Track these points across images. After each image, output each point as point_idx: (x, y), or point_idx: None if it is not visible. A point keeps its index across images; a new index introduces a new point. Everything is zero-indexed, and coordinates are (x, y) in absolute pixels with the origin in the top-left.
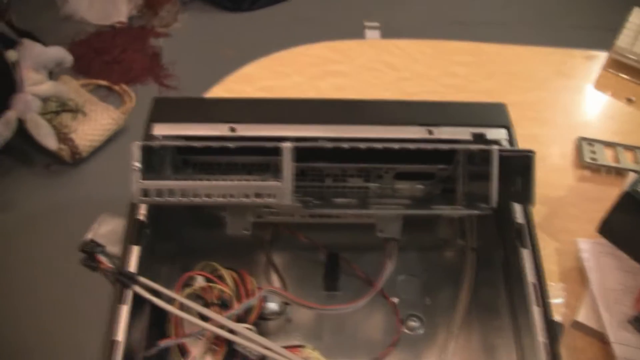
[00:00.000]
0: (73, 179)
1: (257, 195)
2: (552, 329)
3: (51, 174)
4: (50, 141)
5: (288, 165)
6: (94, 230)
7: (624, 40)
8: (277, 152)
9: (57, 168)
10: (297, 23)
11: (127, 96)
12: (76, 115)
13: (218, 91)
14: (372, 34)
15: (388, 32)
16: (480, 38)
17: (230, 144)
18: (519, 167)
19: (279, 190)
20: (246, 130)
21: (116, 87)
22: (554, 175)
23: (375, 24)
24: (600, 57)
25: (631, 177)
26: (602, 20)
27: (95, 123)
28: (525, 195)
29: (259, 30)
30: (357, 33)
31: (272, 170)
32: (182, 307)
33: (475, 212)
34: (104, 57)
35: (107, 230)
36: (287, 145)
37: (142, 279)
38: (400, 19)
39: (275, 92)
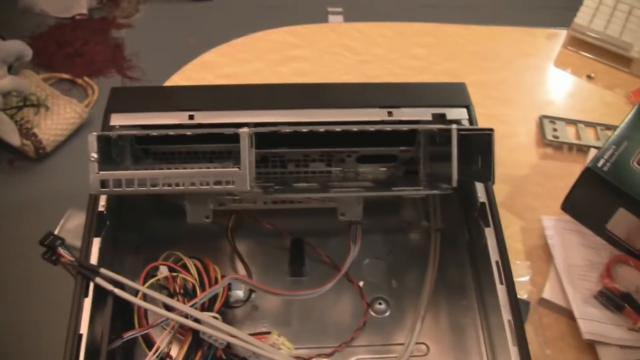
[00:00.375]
0: (38, 175)
1: (216, 182)
2: (517, 307)
3: (15, 171)
4: (13, 137)
5: (246, 151)
6: (61, 225)
7: (582, 17)
8: (236, 138)
9: (21, 164)
10: (260, 10)
11: (90, 89)
12: (38, 110)
13: (177, 79)
14: (335, 19)
15: (352, 17)
16: (447, 20)
17: (188, 132)
18: (478, 146)
19: (238, 176)
20: (205, 117)
21: (79, 80)
22: (517, 153)
23: (339, 9)
24: (561, 35)
25: (592, 153)
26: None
27: (58, 117)
28: (485, 174)
29: (222, 18)
30: (320, 18)
31: (234, 157)
32: (147, 297)
33: (436, 192)
34: (66, 50)
35: (74, 225)
36: (244, 131)
37: (104, 271)
38: (364, 4)
39: (235, 79)
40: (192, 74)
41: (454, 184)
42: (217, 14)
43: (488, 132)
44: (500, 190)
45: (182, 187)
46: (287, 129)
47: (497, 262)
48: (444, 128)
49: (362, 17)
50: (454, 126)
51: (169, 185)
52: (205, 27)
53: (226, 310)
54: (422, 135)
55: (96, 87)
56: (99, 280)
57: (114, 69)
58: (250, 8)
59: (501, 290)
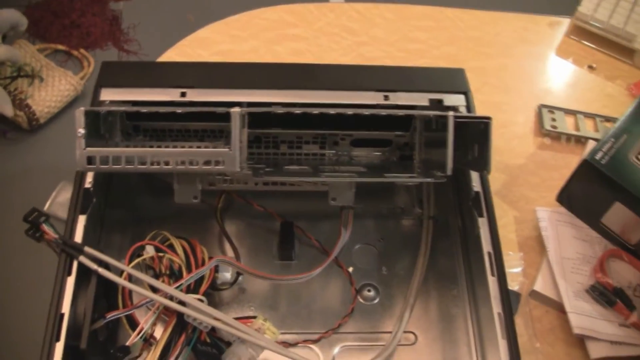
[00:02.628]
0: (31, 146)
1: (205, 162)
2: (507, 300)
3: (8, 142)
4: (6, 108)
5: (237, 131)
6: (52, 198)
7: (586, 6)
8: (228, 118)
9: (14, 135)
10: None
11: (86, 61)
12: (33, 81)
13: (172, 55)
14: None
15: None
16: (447, 2)
17: (179, 109)
18: (475, 134)
19: (228, 157)
20: (197, 95)
21: (75, 52)
22: (514, 142)
23: None
24: (564, 23)
25: (590, 145)
26: None
27: (53, 89)
28: (481, 163)
29: None
30: None
31: (226, 136)
32: (132, 277)
33: (430, 179)
34: (62, 21)
35: (65, 198)
36: (235, 110)
37: (88, 249)
38: None
39: (231, 56)
40: (186, 50)
41: (449, 172)
42: None
43: (485, 120)
44: (495, 179)
45: (170, 166)
46: (280, 110)
47: (489, 253)
48: (440, 114)
49: None
50: (451, 113)
51: (157, 163)
52: (204, 2)
53: (212, 292)
54: (418, 120)
55: (92, 60)
56: (82, 259)
57: (111, 42)
58: None
59: (492, 282)
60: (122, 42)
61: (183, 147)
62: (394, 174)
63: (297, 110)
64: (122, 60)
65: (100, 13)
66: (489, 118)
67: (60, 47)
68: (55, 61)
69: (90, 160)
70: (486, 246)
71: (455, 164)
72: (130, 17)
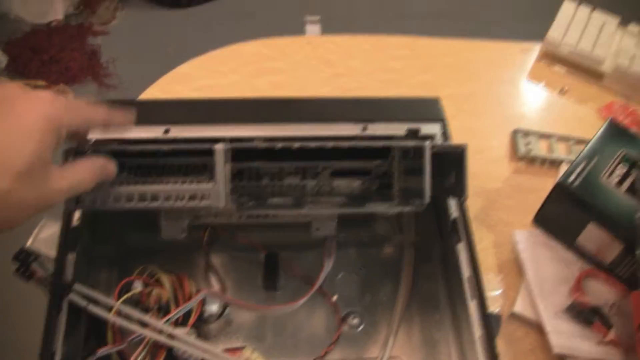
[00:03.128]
0: None
1: (191, 197)
2: (488, 323)
3: None
4: None
5: (221, 167)
6: (34, 235)
7: (555, 31)
8: (211, 153)
9: None
10: (237, 18)
11: (66, 96)
12: None
13: (153, 92)
14: (313, 28)
15: (330, 26)
16: (424, 30)
17: (164, 147)
18: (451, 162)
19: (213, 192)
20: (181, 132)
21: (55, 87)
22: (490, 167)
23: (316, 17)
24: (535, 49)
25: (564, 167)
26: (548, 10)
27: None
28: (458, 189)
29: (200, 27)
30: (298, 26)
31: (210, 170)
32: (121, 313)
33: (409, 208)
34: (42, 57)
35: (48, 235)
36: (219, 147)
37: (78, 287)
38: (342, 13)
39: (211, 91)
40: (167, 87)
41: (427, 200)
42: (194, 20)
43: (460, 148)
44: (473, 203)
45: (157, 203)
46: (262, 145)
47: (468, 278)
48: (416, 145)
49: (340, 26)
50: (427, 143)
51: (144, 200)
52: (182, 35)
53: (200, 325)
54: (396, 150)
55: (72, 95)
56: (72, 296)
57: (90, 76)
58: (227, 15)
59: (473, 306)
60: (102, 77)
61: (168, 182)
62: (375, 203)
63: (278, 144)
64: (102, 94)
65: (79, 48)
66: (463, 146)
67: (40, 82)
68: None
69: (78, 199)
70: (466, 271)
71: (433, 191)
72: (109, 51)
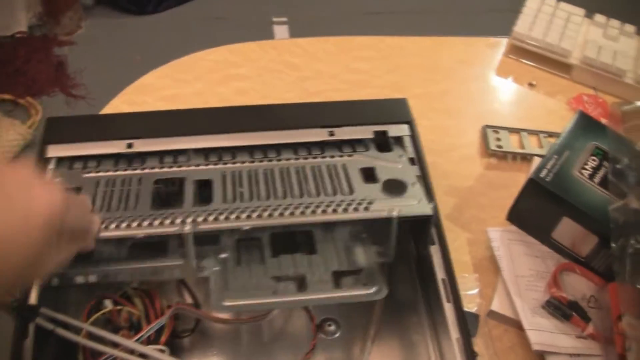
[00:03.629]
0: None
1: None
2: (465, 325)
3: None
4: None
5: (191, 247)
6: None
7: (521, 25)
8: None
9: None
10: (204, 22)
11: (33, 109)
12: None
13: (117, 104)
14: (281, 30)
15: (297, 27)
16: (390, 27)
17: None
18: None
19: (184, 268)
20: (145, 145)
21: (21, 101)
22: (462, 165)
23: (284, 19)
24: (502, 43)
25: (536, 161)
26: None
27: (1, 140)
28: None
29: (166, 31)
30: (265, 29)
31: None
32: (91, 334)
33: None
34: (6, 70)
35: None
36: (187, 231)
37: (44, 310)
38: (308, 13)
39: (176, 101)
40: (132, 97)
41: (391, 259)
42: (161, 26)
43: (426, 217)
44: (446, 202)
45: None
46: (229, 225)
47: (443, 280)
48: (386, 217)
49: (306, 27)
50: (395, 214)
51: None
52: (149, 42)
53: (174, 340)
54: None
55: (40, 107)
56: (39, 320)
57: (58, 88)
58: (194, 20)
59: (448, 308)
60: (69, 88)
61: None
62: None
63: (246, 226)
64: (70, 105)
65: (44, 59)
66: (430, 215)
67: (5, 96)
68: (2, 111)
69: None
70: (440, 273)
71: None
72: (76, 62)
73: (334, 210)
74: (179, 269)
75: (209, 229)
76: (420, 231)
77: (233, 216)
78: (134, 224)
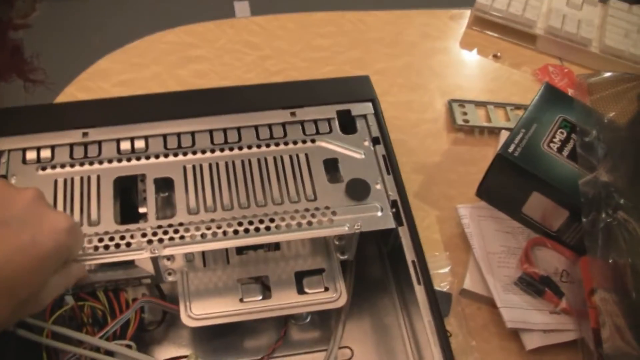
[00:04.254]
0: None
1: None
2: (437, 306)
3: None
4: None
5: (159, 265)
6: None
7: None
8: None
9: None
10: (164, 3)
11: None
12: None
13: (72, 91)
14: (241, 7)
15: (258, 3)
16: (354, 2)
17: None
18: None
19: (152, 277)
20: (100, 134)
21: None
22: (428, 141)
23: None
24: (465, 15)
25: (504, 135)
26: None
27: None
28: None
29: (125, 11)
30: (224, 7)
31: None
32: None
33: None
34: None
35: None
36: (155, 255)
37: None
38: None
39: (133, 85)
40: (87, 84)
41: (352, 258)
42: (119, 8)
43: (390, 230)
44: (413, 180)
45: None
46: (194, 248)
47: (413, 262)
48: (349, 234)
49: (267, 3)
50: (357, 229)
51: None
52: (108, 23)
53: (141, 334)
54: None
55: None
56: None
57: (15, 73)
58: (154, 1)
59: (419, 290)
60: (27, 72)
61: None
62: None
63: (212, 247)
64: (29, 90)
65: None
66: (395, 228)
67: None
68: None
69: None
70: (409, 255)
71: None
72: (33, 46)
73: (299, 225)
74: (149, 278)
75: (176, 252)
76: (386, 233)
77: (199, 233)
78: (101, 247)
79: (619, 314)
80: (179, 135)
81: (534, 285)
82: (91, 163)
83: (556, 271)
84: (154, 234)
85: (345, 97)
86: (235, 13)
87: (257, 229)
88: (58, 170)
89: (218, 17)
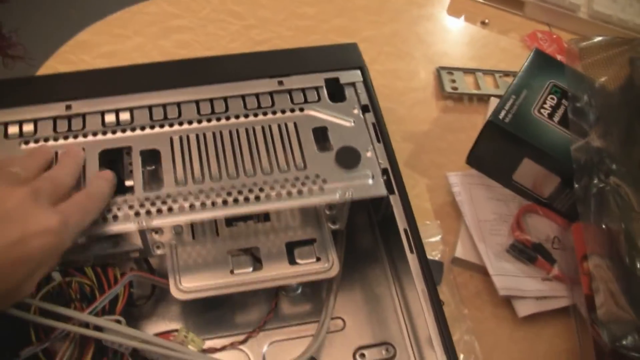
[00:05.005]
0: None
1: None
2: (429, 275)
3: None
4: None
5: (147, 238)
6: None
7: None
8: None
9: None
10: None
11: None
12: None
13: (53, 64)
14: None
15: None
16: None
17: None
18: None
19: (141, 251)
20: (84, 106)
21: None
22: (417, 109)
23: None
24: None
25: (493, 102)
26: None
27: None
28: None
29: None
30: None
31: None
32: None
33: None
34: None
35: None
36: (143, 227)
37: None
38: None
39: (116, 57)
40: (69, 57)
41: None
42: None
43: (382, 198)
44: (403, 149)
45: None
46: (183, 219)
47: (405, 230)
48: (340, 203)
49: None
50: (348, 197)
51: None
52: None
53: (130, 309)
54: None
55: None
56: None
57: None
58: None
59: (412, 259)
60: (6, 48)
61: None
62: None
63: (201, 218)
64: (8, 66)
65: None
66: (386, 195)
67: None
68: None
69: None
70: (401, 223)
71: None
72: (10, 22)
73: (289, 194)
74: (137, 252)
75: (164, 224)
76: (377, 202)
77: (187, 204)
78: None
79: (613, 280)
80: (164, 106)
81: (526, 252)
82: (75, 136)
83: (548, 238)
84: (142, 205)
85: (333, 65)
86: None
87: (246, 199)
88: (42, 144)
89: None
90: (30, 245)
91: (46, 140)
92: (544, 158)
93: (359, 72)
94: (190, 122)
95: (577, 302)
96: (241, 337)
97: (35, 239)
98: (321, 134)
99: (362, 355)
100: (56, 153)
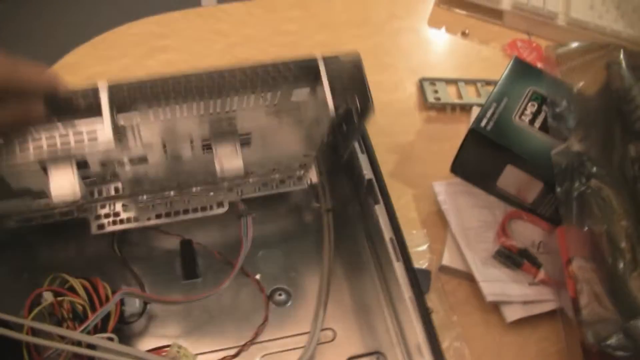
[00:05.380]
0: None
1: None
2: (416, 282)
3: None
4: None
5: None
6: None
7: None
8: None
9: None
10: None
11: None
12: None
13: None
14: None
15: None
16: None
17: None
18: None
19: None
20: None
21: None
22: (401, 120)
23: None
24: None
25: (475, 111)
26: None
27: None
28: (364, 108)
29: (88, 6)
30: None
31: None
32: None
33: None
34: None
35: None
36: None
37: None
38: None
39: (103, 78)
40: None
41: (332, 113)
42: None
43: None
44: (387, 160)
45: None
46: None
47: (391, 239)
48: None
49: None
50: (319, 55)
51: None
52: (71, 16)
53: (122, 326)
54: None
55: None
56: None
57: None
58: None
59: (398, 267)
60: None
61: None
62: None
63: None
64: None
65: None
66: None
67: None
68: None
69: None
70: (387, 233)
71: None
72: None
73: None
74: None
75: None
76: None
77: None
78: None
79: (597, 281)
80: None
81: (512, 257)
82: None
83: (533, 243)
84: None
85: None
86: (202, 1)
87: None
88: None
89: (184, 6)
90: None
91: None
92: (526, 164)
93: None
94: None
95: (564, 305)
96: (233, 351)
97: None
98: None
99: None
100: None
